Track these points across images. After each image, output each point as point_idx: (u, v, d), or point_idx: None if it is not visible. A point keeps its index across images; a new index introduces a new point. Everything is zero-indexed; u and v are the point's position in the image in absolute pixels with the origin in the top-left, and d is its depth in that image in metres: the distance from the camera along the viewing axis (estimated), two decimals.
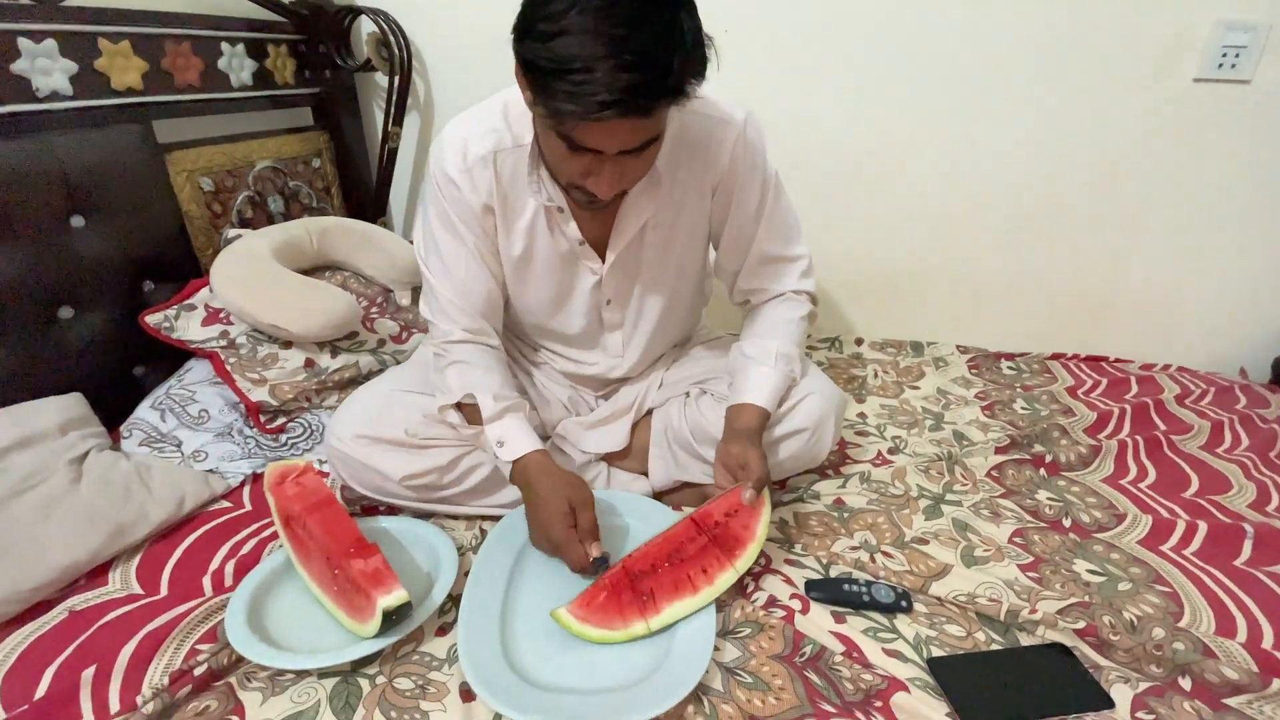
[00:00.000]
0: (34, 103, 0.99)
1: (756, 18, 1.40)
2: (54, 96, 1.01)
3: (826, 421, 0.94)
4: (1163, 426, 1.15)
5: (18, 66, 0.96)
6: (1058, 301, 1.51)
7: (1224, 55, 1.25)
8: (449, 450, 0.90)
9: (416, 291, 1.36)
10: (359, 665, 0.72)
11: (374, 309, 1.29)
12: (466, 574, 0.81)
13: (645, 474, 1.03)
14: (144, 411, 1.06)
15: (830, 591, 0.83)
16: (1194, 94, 1.30)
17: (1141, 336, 1.48)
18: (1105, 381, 1.34)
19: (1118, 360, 1.43)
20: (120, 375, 1.14)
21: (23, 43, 0.96)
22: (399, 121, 1.59)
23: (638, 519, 0.91)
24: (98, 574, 0.81)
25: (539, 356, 1.07)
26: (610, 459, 1.05)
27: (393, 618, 0.69)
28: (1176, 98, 1.31)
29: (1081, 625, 0.76)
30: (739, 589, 0.83)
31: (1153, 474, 1.06)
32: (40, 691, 0.66)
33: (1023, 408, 1.28)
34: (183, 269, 1.22)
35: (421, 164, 1.73)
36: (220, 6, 1.32)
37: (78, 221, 1.05)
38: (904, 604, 0.81)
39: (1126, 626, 0.76)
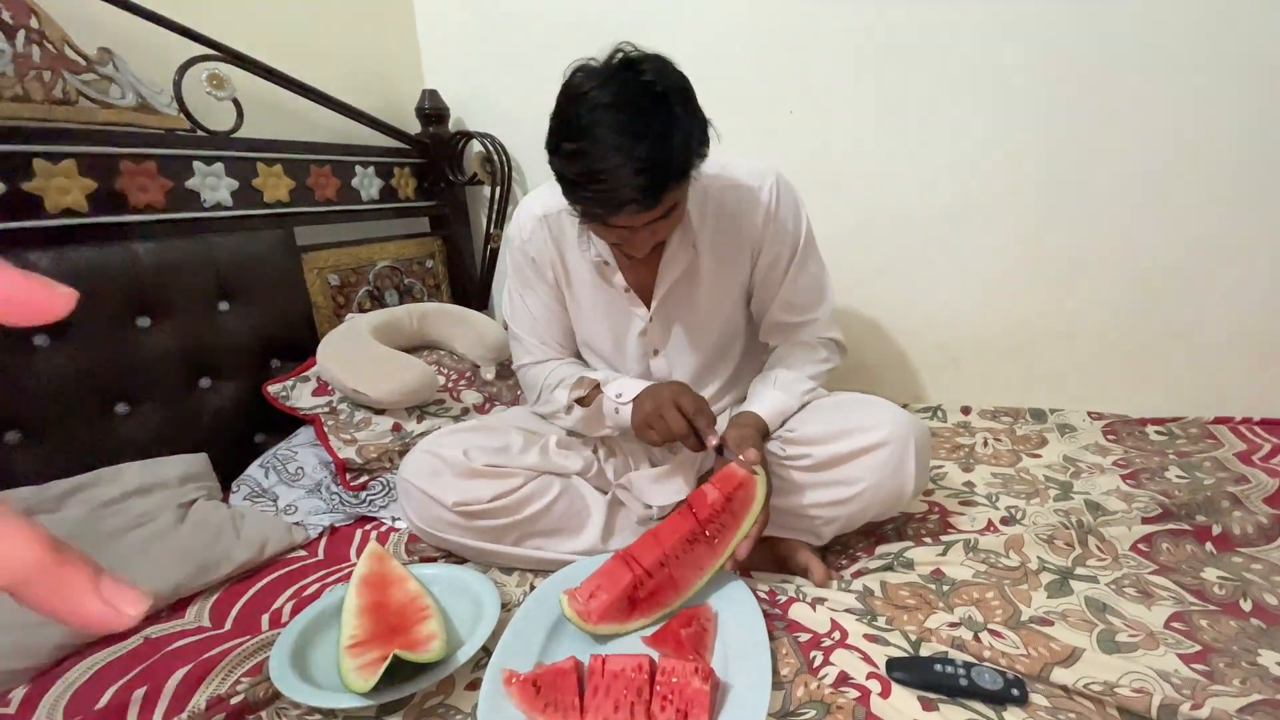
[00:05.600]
0: (201, 211, 1.21)
1: (831, 78, 1.44)
2: (217, 207, 1.24)
3: (904, 441, 0.83)
4: None
5: (191, 183, 1.19)
6: (1216, 356, 1.28)
7: None
8: (505, 481, 0.90)
9: (501, 367, 1.44)
10: (385, 711, 0.69)
11: (462, 381, 1.37)
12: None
13: None
14: (253, 469, 1.17)
15: (918, 672, 0.69)
16: None
17: None
18: None
19: None
20: (244, 441, 1.27)
21: (197, 165, 1.20)
22: (500, 225, 1.77)
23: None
24: (179, 607, 0.87)
25: None
26: None
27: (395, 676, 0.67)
28: None
29: None
30: (806, 664, 0.72)
31: None
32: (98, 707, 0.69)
33: (1179, 476, 1.06)
34: (307, 350, 1.37)
35: None
36: (357, 136, 1.58)
37: (224, 306, 1.24)
38: (1015, 692, 0.65)
39: None
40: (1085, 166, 1.29)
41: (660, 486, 0.98)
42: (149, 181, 1.13)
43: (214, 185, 1.23)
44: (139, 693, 0.69)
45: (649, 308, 0.96)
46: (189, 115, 1.21)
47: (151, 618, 0.84)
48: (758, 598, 0.80)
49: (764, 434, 0.89)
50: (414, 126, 1.74)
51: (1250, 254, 1.22)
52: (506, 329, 1.08)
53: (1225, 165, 1.21)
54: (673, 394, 0.85)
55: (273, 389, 1.23)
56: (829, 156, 1.47)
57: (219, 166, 1.23)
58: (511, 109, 1.74)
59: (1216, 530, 0.89)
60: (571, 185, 0.75)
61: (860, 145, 1.45)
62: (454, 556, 0.95)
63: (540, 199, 0.97)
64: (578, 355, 1.08)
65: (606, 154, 0.70)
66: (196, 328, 1.19)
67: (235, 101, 1.27)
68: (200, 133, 1.23)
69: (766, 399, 0.91)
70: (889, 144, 1.43)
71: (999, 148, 1.34)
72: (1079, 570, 0.85)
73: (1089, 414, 1.32)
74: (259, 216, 1.32)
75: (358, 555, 0.99)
